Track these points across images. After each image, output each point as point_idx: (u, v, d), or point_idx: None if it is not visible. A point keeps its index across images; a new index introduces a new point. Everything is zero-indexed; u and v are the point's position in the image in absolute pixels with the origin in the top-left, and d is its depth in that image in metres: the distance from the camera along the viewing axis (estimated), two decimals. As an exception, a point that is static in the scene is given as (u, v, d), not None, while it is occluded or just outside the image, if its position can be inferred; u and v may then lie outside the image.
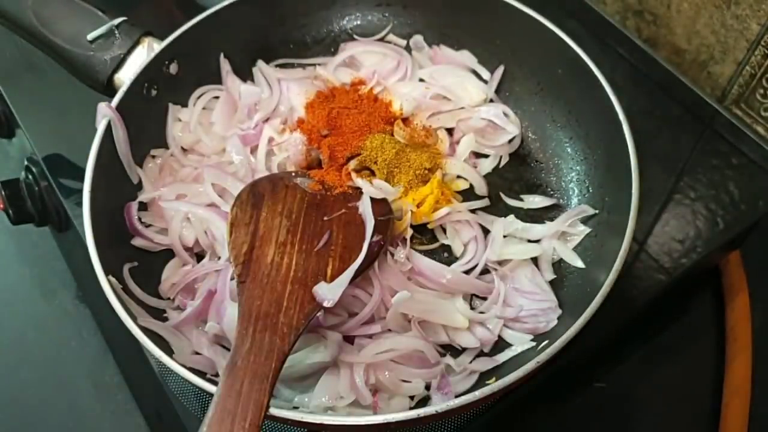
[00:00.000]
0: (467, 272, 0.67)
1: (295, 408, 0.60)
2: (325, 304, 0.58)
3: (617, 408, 0.72)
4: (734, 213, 0.76)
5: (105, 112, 0.68)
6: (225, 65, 0.80)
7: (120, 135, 0.68)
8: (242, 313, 0.54)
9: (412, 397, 0.61)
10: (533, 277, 0.67)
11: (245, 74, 0.83)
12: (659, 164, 0.78)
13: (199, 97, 0.78)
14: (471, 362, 0.63)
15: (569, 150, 0.76)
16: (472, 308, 0.66)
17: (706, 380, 0.72)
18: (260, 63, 0.82)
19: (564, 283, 0.68)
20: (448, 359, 0.62)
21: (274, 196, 0.65)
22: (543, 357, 0.54)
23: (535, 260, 0.69)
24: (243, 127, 0.75)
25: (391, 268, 0.65)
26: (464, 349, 0.64)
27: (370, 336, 0.63)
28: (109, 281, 0.59)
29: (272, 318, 0.54)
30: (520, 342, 0.64)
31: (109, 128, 0.68)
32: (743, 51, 0.81)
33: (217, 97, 0.79)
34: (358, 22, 0.86)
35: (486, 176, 0.75)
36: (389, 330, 0.63)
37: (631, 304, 0.70)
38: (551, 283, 0.67)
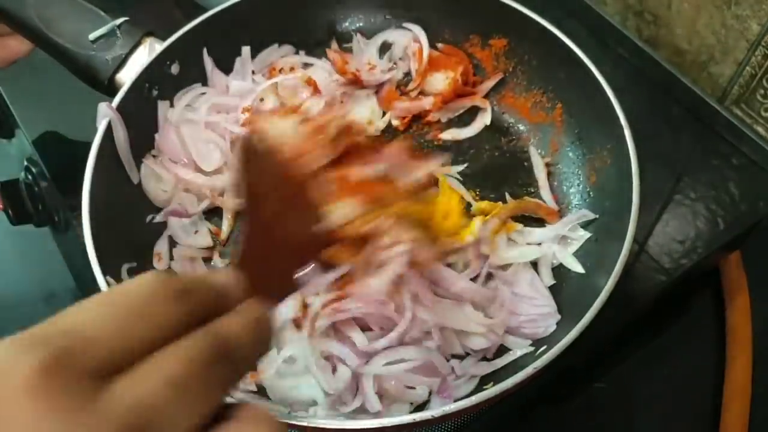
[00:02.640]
0: (473, 279, 0.67)
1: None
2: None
3: (617, 408, 0.72)
4: (734, 213, 0.76)
5: (105, 113, 0.68)
6: (208, 62, 0.79)
7: (120, 135, 0.68)
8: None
9: (412, 402, 0.61)
10: (533, 282, 0.67)
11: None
12: (659, 164, 0.78)
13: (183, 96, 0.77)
14: (471, 367, 0.63)
15: (570, 154, 0.76)
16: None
17: (706, 381, 0.72)
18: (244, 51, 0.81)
19: (563, 287, 0.68)
20: (453, 362, 0.62)
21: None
22: (540, 363, 0.54)
23: (534, 265, 0.69)
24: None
25: (418, 281, 0.63)
26: (467, 354, 0.64)
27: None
28: (107, 282, 0.59)
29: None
30: (519, 347, 0.64)
31: (109, 128, 0.68)
32: (743, 51, 0.81)
33: (203, 93, 0.78)
34: (361, 24, 0.86)
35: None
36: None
37: (631, 304, 0.70)
38: (550, 287, 0.67)
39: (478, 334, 0.63)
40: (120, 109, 0.69)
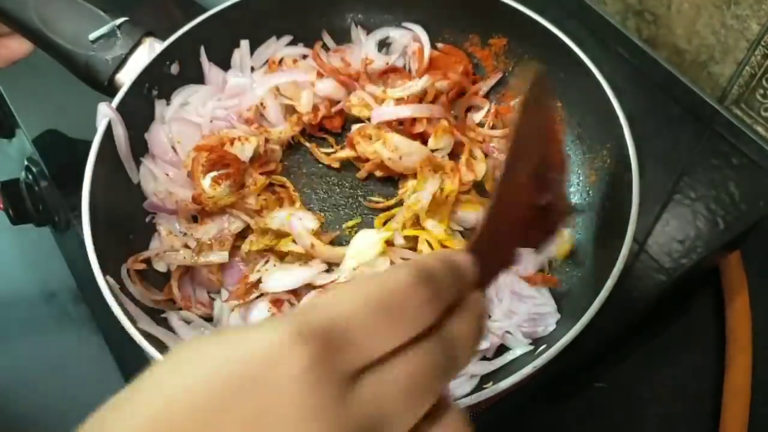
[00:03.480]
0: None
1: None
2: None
3: (617, 408, 0.72)
4: (734, 213, 0.76)
5: (105, 112, 0.68)
6: (205, 59, 0.79)
7: (120, 135, 0.68)
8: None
9: None
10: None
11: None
12: (659, 164, 0.78)
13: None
14: (471, 366, 0.63)
15: (570, 154, 0.76)
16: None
17: (706, 380, 0.72)
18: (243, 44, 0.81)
19: (563, 286, 0.68)
20: None
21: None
22: (540, 362, 0.54)
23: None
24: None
25: None
26: None
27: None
28: (107, 282, 0.59)
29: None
30: (518, 346, 0.64)
31: (109, 128, 0.68)
32: (743, 51, 0.81)
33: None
34: (361, 20, 0.86)
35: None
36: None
37: (631, 304, 0.70)
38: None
39: None
40: (120, 109, 0.69)
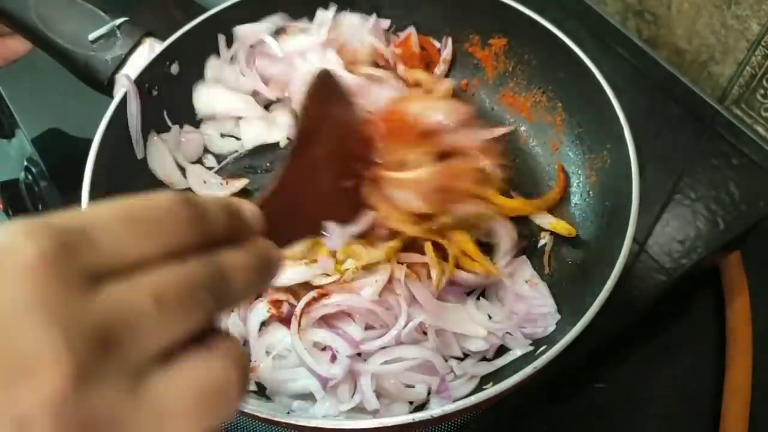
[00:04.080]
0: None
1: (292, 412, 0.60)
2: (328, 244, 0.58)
3: (617, 408, 0.72)
4: (735, 213, 0.76)
5: (123, 83, 0.69)
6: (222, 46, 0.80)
7: (133, 107, 0.70)
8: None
9: (411, 402, 0.61)
10: (532, 280, 0.68)
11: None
12: (659, 164, 0.78)
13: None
14: (471, 367, 0.63)
15: (570, 154, 0.76)
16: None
17: (706, 381, 0.72)
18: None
19: (563, 287, 0.68)
20: (452, 362, 0.62)
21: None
22: (540, 363, 0.54)
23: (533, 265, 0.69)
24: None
25: (420, 284, 0.64)
26: (466, 355, 0.64)
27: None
28: None
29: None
30: (518, 346, 0.64)
31: (109, 126, 0.68)
32: (743, 51, 0.81)
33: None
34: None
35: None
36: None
37: (631, 304, 0.70)
38: (550, 287, 0.67)
39: (478, 337, 0.63)
40: (120, 108, 0.69)
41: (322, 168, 0.49)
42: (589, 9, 0.92)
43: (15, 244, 0.25)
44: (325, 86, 0.49)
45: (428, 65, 0.83)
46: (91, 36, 0.72)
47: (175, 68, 0.76)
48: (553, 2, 0.90)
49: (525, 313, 0.65)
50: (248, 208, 0.35)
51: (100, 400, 0.25)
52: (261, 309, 0.64)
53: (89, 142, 0.67)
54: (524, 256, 0.70)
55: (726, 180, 0.78)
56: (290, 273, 0.64)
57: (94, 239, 0.27)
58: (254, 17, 0.80)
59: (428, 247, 0.65)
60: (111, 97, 0.70)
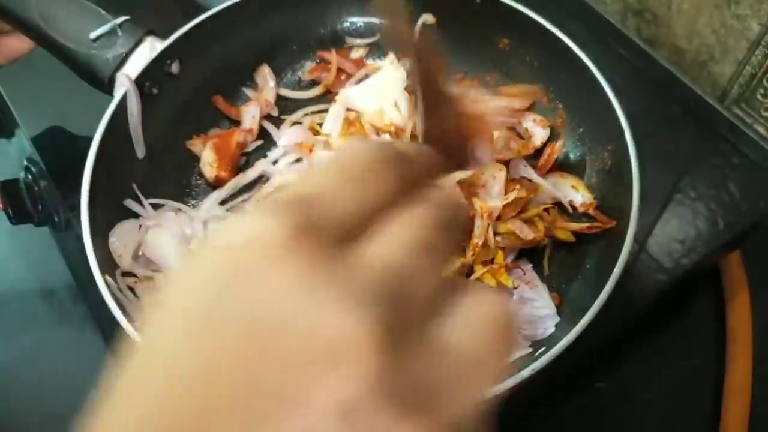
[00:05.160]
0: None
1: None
2: None
3: (617, 408, 0.72)
4: (735, 213, 0.76)
5: (123, 82, 0.69)
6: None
7: (134, 106, 0.70)
8: None
9: None
10: (532, 281, 0.68)
11: (245, 75, 0.83)
12: (659, 164, 0.78)
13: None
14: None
15: (571, 156, 0.76)
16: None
17: (706, 380, 0.72)
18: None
19: (563, 288, 0.68)
20: None
21: None
22: (539, 365, 0.54)
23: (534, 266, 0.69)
24: None
25: None
26: None
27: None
28: (105, 281, 0.59)
29: None
30: (518, 348, 0.63)
31: (110, 125, 0.68)
32: (744, 51, 0.81)
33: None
34: (362, 24, 0.86)
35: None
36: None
37: (631, 304, 0.70)
38: (549, 288, 0.67)
39: None
40: (120, 107, 0.69)
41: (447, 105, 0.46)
42: (589, 9, 0.92)
43: (258, 233, 0.24)
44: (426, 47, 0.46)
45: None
46: (93, 34, 0.72)
47: (176, 67, 0.76)
48: (553, 2, 0.90)
49: (525, 315, 0.65)
50: (428, 150, 0.33)
51: (414, 367, 0.23)
52: None
53: (89, 141, 0.67)
54: (525, 258, 0.70)
55: (726, 180, 0.78)
56: None
57: (325, 205, 0.26)
58: (254, 17, 0.80)
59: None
60: (112, 95, 0.70)
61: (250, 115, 0.79)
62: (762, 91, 0.82)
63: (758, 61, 0.80)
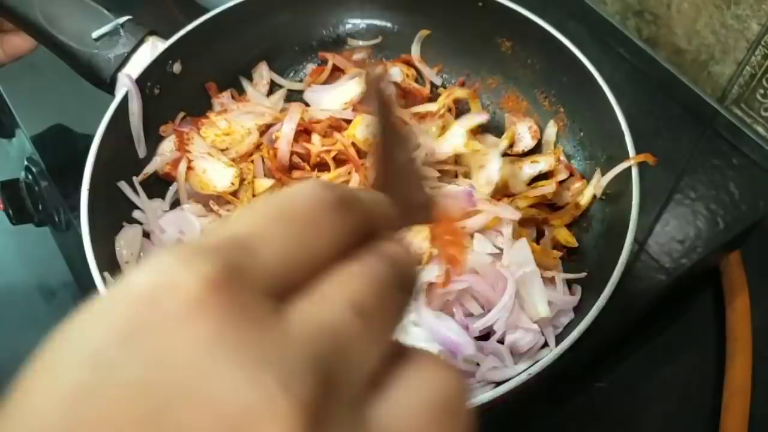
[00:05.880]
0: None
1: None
2: None
3: (618, 408, 0.72)
4: (735, 213, 0.76)
5: (125, 82, 0.69)
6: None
7: (135, 106, 0.70)
8: None
9: None
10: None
11: (247, 76, 0.83)
12: (659, 164, 0.78)
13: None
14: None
15: (571, 161, 0.76)
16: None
17: (706, 380, 0.72)
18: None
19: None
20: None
21: None
22: (536, 368, 0.54)
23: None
24: None
25: None
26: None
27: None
28: (104, 278, 0.59)
29: None
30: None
31: (110, 126, 0.68)
32: (743, 51, 0.81)
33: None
34: (364, 25, 0.86)
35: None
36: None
37: (631, 304, 0.70)
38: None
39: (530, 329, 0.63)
40: (121, 107, 0.69)
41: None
42: (589, 9, 0.92)
43: (171, 280, 0.20)
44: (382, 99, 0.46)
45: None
46: (95, 34, 0.72)
47: (177, 67, 0.76)
48: (553, 2, 0.90)
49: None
50: (385, 199, 0.29)
51: None
52: None
53: (90, 141, 0.67)
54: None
55: (726, 180, 0.78)
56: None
57: (256, 251, 0.22)
58: (256, 18, 0.80)
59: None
60: (113, 95, 0.70)
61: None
62: (762, 91, 0.82)
63: (758, 61, 0.80)
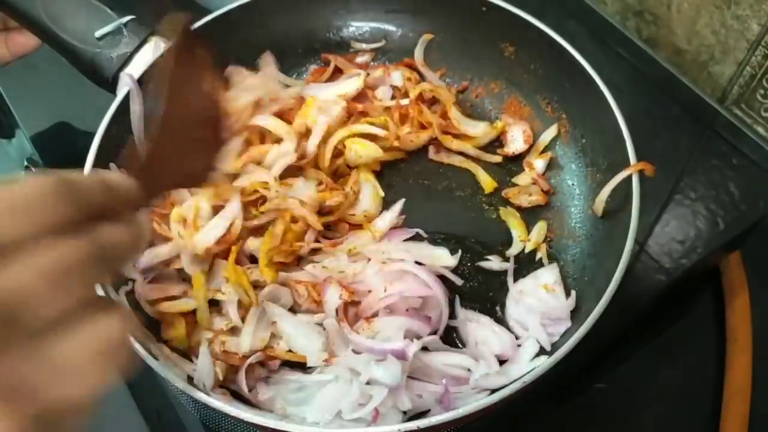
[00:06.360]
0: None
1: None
2: None
3: (618, 409, 0.72)
4: (734, 213, 0.76)
5: (126, 82, 0.69)
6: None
7: (136, 106, 0.70)
8: None
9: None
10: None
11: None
12: (659, 164, 0.77)
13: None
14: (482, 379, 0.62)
15: (573, 167, 0.75)
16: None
17: (706, 381, 0.72)
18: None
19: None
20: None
21: None
22: (537, 372, 0.54)
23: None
24: None
25: None
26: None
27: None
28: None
29: None
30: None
31: (110, 126, 0.68)
32: (743, 51, 0.81)
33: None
34: (367, 29, 0.86)
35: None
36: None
37: (631, 304, 0.70)
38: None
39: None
40: (122, 107, 0.69)
41: (184, 128, 0.51)
42: (589, 9, 0.92)
43: None
44: (186, 41, 0.51)
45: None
46: (98, 33, 0.72)
47: (178, 68, 0.76)
48: (553, 3, 0.90)
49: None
50: (121, 180, 0.38)
51: (11, 366, 0.29)
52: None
53: (90, 141, 0.67)
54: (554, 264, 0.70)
55: (726, 180, 0.78)
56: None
57: None
58: (260, 19, 0.80)
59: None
60: (115, 94, 0.70)
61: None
62: (762, 91, 0.82)
63: (758, 61, 0.80)
